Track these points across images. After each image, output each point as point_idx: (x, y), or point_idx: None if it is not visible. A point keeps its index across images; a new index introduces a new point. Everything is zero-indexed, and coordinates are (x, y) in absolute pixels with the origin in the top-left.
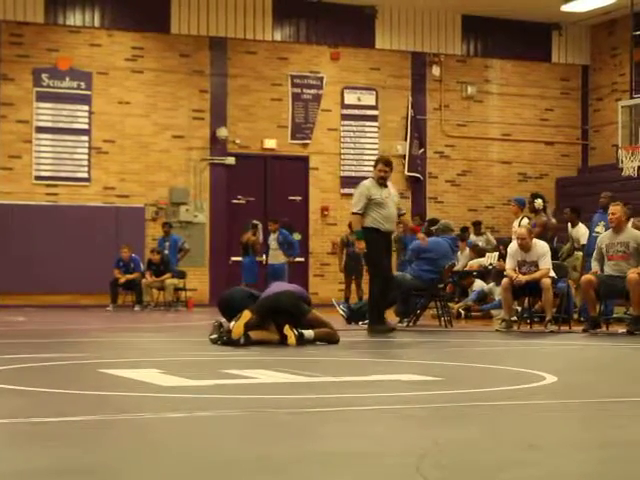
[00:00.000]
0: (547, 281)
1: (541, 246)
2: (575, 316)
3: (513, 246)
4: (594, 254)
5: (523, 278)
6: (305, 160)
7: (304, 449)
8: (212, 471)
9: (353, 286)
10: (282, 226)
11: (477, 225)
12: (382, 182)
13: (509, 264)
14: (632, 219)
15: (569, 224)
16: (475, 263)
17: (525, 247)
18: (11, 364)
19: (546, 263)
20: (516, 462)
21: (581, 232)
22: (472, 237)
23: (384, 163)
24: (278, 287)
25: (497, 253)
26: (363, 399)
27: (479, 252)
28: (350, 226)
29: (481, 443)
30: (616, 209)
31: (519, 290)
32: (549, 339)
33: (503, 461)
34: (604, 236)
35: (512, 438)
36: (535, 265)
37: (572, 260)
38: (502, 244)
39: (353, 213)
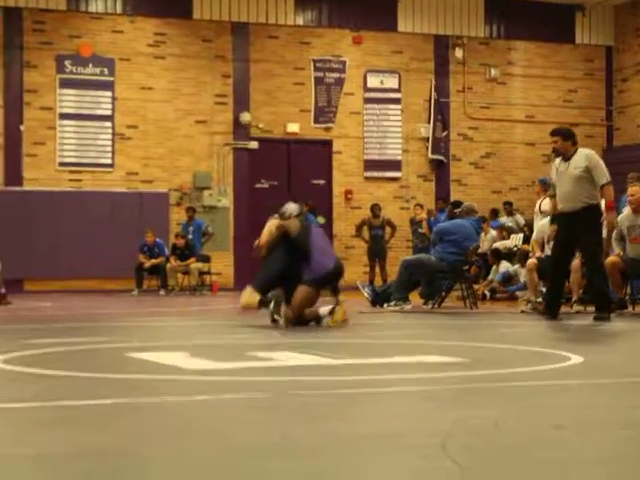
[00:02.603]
0: (577, 262)
1: None
2: None
3: (542, 222)
4: (614, 234)
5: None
6: (328, 144)
7: (330, 431)
8: (238, 454)
9: (377, 269)
10: (307, 210)
11: (508, 206)
12: (557, 154)
13: (536, 237)
14: None
15: None
16: (500, 245)
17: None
18: (37, 349)
19: None
20: (542, 443)
21: None
22: (503, 218)
23: (550, 133)
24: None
25: (522, 235)
26: (388, 381)
27: (508, 233)
28: (373, 208)
29: (507, 424)
30: (635, 190)
31: (547, 270)
32: (575, 320)
33: (529, 442)
34: (624, 217)
35: (538, 419)
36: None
37: None
38: (527, 225)
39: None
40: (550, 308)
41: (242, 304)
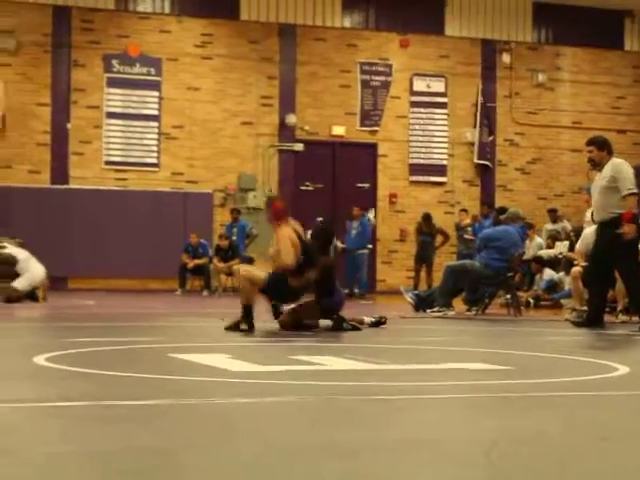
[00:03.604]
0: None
1: None
2: None
3: (588, 230)
4: None
5: None
6: (374, 147)
7: (373, 436)
8: (282, 456)
9: (423, 274)
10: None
11: (553, 212)
12: (592, 164)
13: (580, 248)
14: None
15: None
16: (544, 253)
17: None
18: (81, 347)
19: None
20: (587, 454)
21: None
22: (548, 225)
23: (585, 142)
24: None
25: (568, 242)
26: (432, 387)
27: (553, 240)
28: (425, 219)
29: (551, 434)
30: None
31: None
32: (620, 329)
33: (573, 453)
34: None
35: (583, 430)
36: None
37: None
38: (573, 232)
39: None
40: (593, 317)
41: None
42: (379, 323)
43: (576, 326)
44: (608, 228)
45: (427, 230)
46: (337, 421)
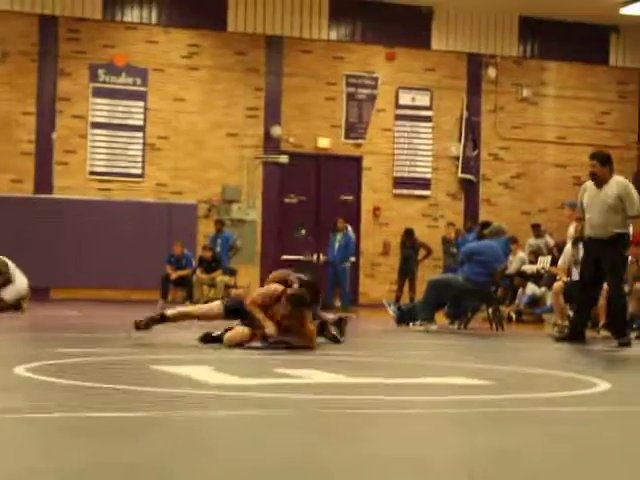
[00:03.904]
0: (605, 288)
1: None
2: None
3: (570, 246)
4: None
5: None
6: (358, 160)
7: (353, 452)
8: (259, 471)
9: (406, 287)
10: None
11: (536, 228)
12: (593, 179)
13: (562, 264)
14: None
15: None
16: (528, 268)
17: None
18: (63, 358)
19: None
20: (569, 471)
21: None
22: (531, 240)
23: (589, 156)
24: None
25: (550, 257)
26: (414, 402)
27: (536, 256)
28: (407, 233)
29: (532, 450)
30: None
31: (574, 294)
32: (602, 345)
33: (556, 470)
34: None
35: (565, 446)
36: None
37: None
38: (556, 247)
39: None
40: (575, 333)
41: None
42: (340, 321)
43: (558, 341)
44: (606, 245)
45: (410, 244)
46: (317, 436)
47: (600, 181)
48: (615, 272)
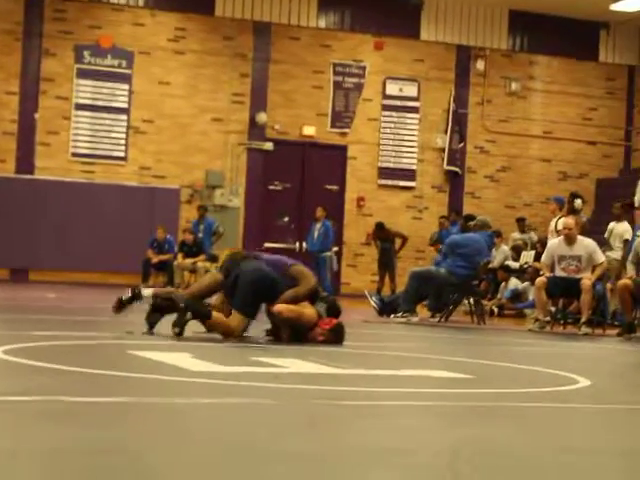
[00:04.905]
0: (587, 282)
1: (588, 242)
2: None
3: (555, 241)
4: (630, 257)
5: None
6: (343, 149)
7: (334, 443)
8: (240, 459)
9: (387, 279)
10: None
11: (521, 222)
12: None
13: (545, 260)
14: None
15: (611, 223)
16: (512, 265)
17: (570, 239)
18: (40, 341)
19: (600, 257)
20: (549, 465)
21: (625, 227)
22: (515, 234)
23: None
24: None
25: (534, 252)
26: (394, 394)
27: (518, 251)
28: (378, 228)
29: (514, 444)
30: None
31: (556, 290)
32: (583, 342)
33: (536, 465)
34: None
35: (545, 441)
36: (577, 260)
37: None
38: (540, 243)
39: None
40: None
41: None
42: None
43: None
44: None
45: (383, 236)
46: (296, 425)
47: None
48: None
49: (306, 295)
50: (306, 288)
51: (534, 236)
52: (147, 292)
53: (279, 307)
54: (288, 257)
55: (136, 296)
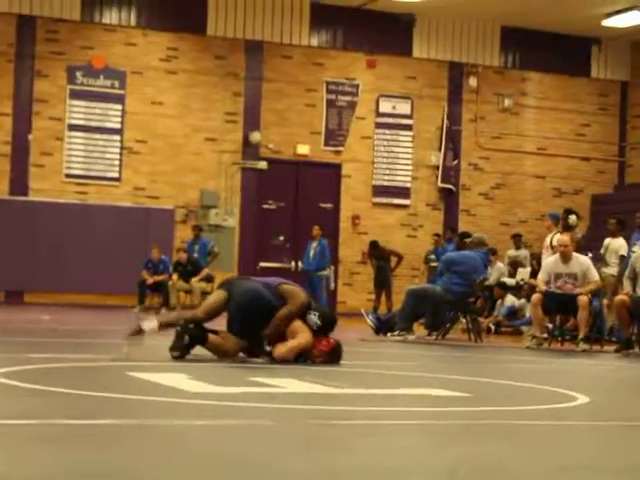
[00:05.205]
0: (585, 299)
1: (583, 259)
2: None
3: (551, 259)
4: (627, 272)
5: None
6: (337, 167)
7: (331, 463)
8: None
9: (383, 297)
10: None
11: (517, 238)
12: None
13: (541, 277)
14: None
15: (607, 239)
16: (508, 282)
17: (566, 256)
18: (37, 364)
19: (594, 275)
20: None
21: (620, 243)
22: (511, 251)
23: None
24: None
25: (530, 269)
26: (391, 413)
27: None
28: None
29: (510, 463)
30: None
31: (552, 306)
32: (581, 358)
33: None
34: (638, 257)
35: (542, 459)
36: (573, 278)
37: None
38: (535, 259)
39: None
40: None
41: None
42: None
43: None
44: None
45: (378, 255)
46: (293, 446)
47: None
48: None
49: (299, 311)
50: (297, 305)
51: (527, 253)
52: (150, 325)
53: (280, 354)
54: (280, 277)
55: (139, 332)
